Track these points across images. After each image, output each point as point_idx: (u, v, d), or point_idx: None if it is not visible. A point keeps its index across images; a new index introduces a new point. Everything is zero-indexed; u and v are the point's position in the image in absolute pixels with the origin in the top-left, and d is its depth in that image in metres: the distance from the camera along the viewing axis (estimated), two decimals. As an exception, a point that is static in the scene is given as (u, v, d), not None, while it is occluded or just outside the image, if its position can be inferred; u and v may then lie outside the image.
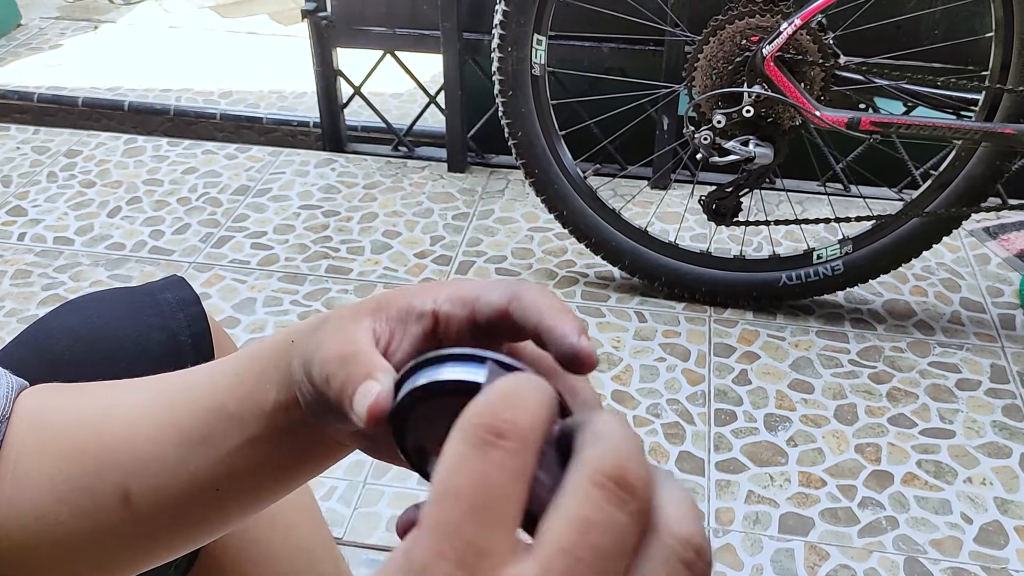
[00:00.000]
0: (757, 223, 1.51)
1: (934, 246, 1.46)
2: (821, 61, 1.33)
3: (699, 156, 1.40)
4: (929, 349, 1.46)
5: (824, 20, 1.38)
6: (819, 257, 1.50)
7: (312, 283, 1.61)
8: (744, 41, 1.34)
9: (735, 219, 1.48)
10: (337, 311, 0.39)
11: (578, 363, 0.33)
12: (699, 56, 1.37)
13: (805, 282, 1.51)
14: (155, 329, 0.59)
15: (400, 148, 2.05)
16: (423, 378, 0.32)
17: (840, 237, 1.50)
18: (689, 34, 1.46)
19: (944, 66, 1.53)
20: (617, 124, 1.73)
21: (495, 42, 1.45)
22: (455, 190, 1.89)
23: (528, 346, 0.37)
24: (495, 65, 1.47)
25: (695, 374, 1.41)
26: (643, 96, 1.64)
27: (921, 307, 1.55)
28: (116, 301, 0.61)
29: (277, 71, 2.45)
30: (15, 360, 0.59)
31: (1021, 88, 1.30)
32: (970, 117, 1.38)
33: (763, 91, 1.33)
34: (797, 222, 1.50)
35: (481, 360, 0.32)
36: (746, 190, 1.45)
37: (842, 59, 1.36)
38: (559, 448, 0.27)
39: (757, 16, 1.34)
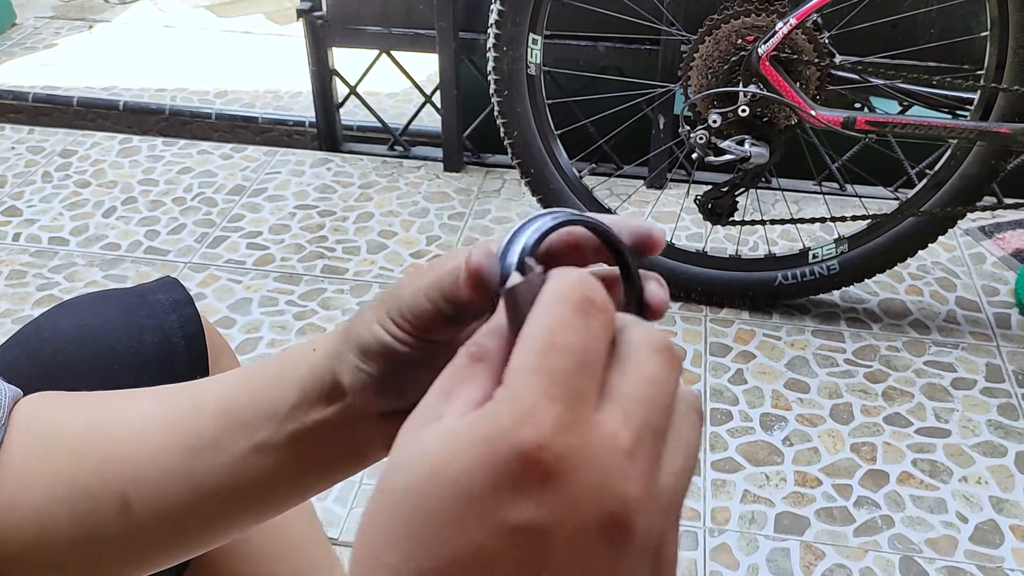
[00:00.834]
0: (753, 223, 1.51)
1: (930, 245, 1.46)
2: (816, 60, 1.33)
3: (695, 155, 1.40)
4: (925, 348, 1.46)
5: (819, 19, 1.38)
6: (815, 256, 1.50)
7: (308, 283, 1.61)
8: (740, 40, 1.34)
9: (731, 218, 1.48)
10: (377, 298, 0.39)
11: (654, 240, 0.35)
12: (695, 55, 1.37)
13: (801, 281, 1.51)
14: (148, 330, 0.59)
15: (396, 148, 2.05)
16: (524, 236, 0.32)
17: (836, 236, 1.50)
18: (685, 33, 1.46)
19: (939, 65, 1.53)
20: (613, 123, 1.73)
21: (490, 41, 1.45)
22: (451, 190, 1.89)
23: None
24: (491, 64, 1.47)
25: (691, 373, 1.41)
26: (639, 95, 1.64)
27: (917, 306, 1.56)
28: (109, 303, 0.61)
29: (272, 71, 2.44)
30: (7, 362, 0.59)
31: (1016, 87, 1.30)
32: (965, 116, 1.39)
33: (759, 90, 1.33)
34: (793, 221, 1.50)
35: (545, 215, 0.33)
36: (742, 189, 1.44)
37: (837, 58, 1.36)
38: None
39: (752, 15, 1.34)
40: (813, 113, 1.33)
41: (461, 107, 1.90)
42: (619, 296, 0.35)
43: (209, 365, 0.62)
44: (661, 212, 1.78)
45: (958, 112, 1.41)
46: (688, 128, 1.38)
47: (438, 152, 1.98)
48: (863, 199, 1.76)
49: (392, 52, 1.95)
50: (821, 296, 1.55)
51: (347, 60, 1.99)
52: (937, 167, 1.43)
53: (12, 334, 0.61)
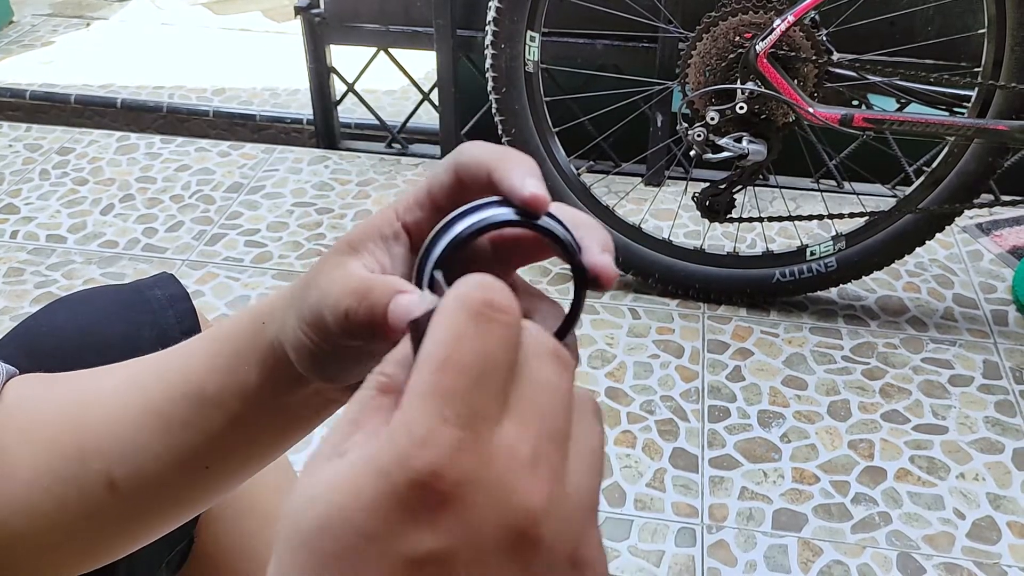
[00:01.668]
0: (751, 220, 1.51)
1: (927, 242, 1.46)
2: (814, 58, 1.33)
3: (692, 153, 1.40)
4: (922, 345, 1.46)
5: (817, 17, 1.39)
6: (812, 254, 1.50)
7: (306, 280, 1.61)
8: (737, 38, 1.34)
9: (728, 216, 1.48)
10: (313, 270, 0.38)
11: (534, 205, 0.32)
12: (692, 53, 1.37)
13: (798, 279, 1.51)
14: (145, 326, 0.59)
15: (394, 145, 2.05)
16: (437, 249, 0.32)
17: (833, 234, 1.50)
18: (682, 31, 1.46)
19: (937, 63, 1.53)
20: (611, 121, 1.73)
21: (488, 39, 1.45)
22: (449, 187, 1.88)
23: None
24: (488, 62, 1.47)
25: (689, 371, 1.41)
26: (637, 93, 1.64)
27: (914, 303, 1.56)
28: (106, 299, 0.61)
29: (270, 68, 2.44)
30: (4, 358, 0.59)
31: (1013, 84, 1.30)
32: (963, 113, 1.39)
33: (756, 88, 1.33)
34: (790, 219, 1.50)
35: (472, 211, 0.32)
36: (739, 187, 1.45)
37: (835, 56, 1.36)
38: None
39: (750, 13, 1.34)
40: (811, 110, 1.33)
41: (459, 105, 1.90)
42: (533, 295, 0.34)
43: None
44: (659, 209, 1.78)
45: (955, 109, 1.41)
46: (686, 125, 1.38)
47: (436, 150, 1.98)
48: (861, 196, 1.76)
49: (390, 50, 1.95)
50: (819, 293, 1.55)
51: (345, 58, 1.98)
52: (934, 164, 1.43)
53: (9, 330, 0.61)
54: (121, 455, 0.44)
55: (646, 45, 1.73)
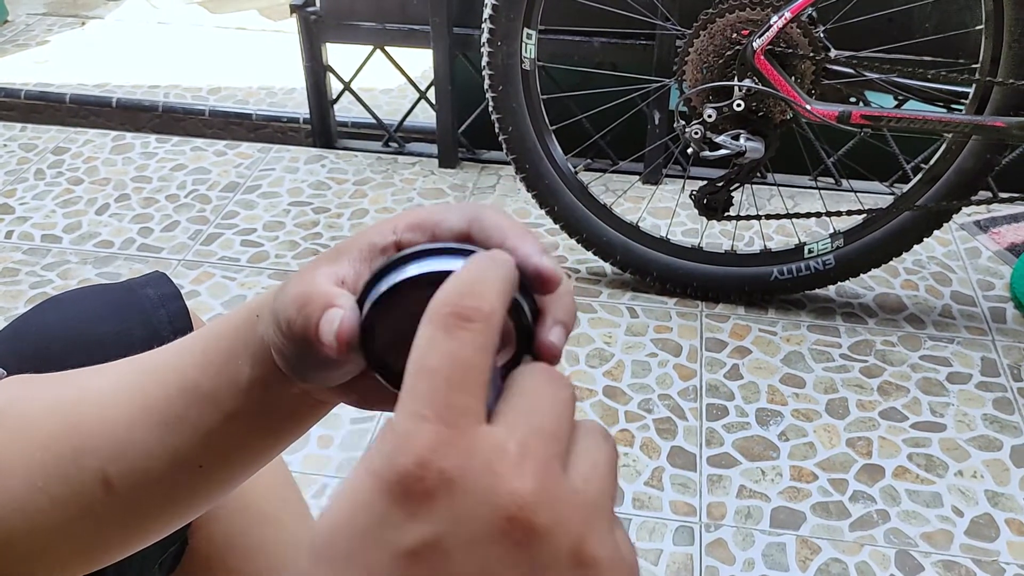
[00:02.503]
0: (748, 218, 1.50)
1: (925, 240, 1.46)
2: (812, 55, 1.32)
3: (690, 151, 1.39)
4: (920, 343, 1.46)
5: (814, 14, 1.38)
6: (810, 251, 1.50)
7: (302, 280, 1.60)
8: (734, 35, 1.34)
9: (726, 214, 1.47)
10: (300, 268, 0.39)
11: (541, 282, 0.34)
12: (689, 50, 1.37)
13: (796, 276, 1.51)
14: (136, 326, 0.58)
15: (391, 144, 2.04)
16: (386, 284, 0.33)
17: (831, 231, 1.50)
18: (680, 28, 1.45)
19: (935, 59, 1.53)
20: (608, 119, 1.73)
21: (485, 37, 1.45)
22: (446, 186, 1.88)
23: None
24: (485, 60, 1.46)
25: (687, 369, 1.41)
26: (634, 91, 1.64)
27: (912, 301, 1.55)
28: (97, 298, 0.61)
29: (266, 67, 2.43)
30: (-3, 358, 0.58)
31: (1011, 81, 1.30)
32: (961, 110, 1.38)
33: (753, 85, 1.33)
34: (788, 216, 1.50)
35: (440, 252, 0.33)
36: (737, 184, 1.44)
37: (833, 53, 1.35)
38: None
39: (747, 10, 1.33)
40: (808, 107, 1.32)
41: (456, 103, 1.89)
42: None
43: None
44: (657, 208, 1.78)
45: (953, 106, 1.41)
46: (683, 123, 1.38)
47: (433, 148, 1.98)
48: (859, 194, 1.76)
49: (386, 48, 1.95)
50: (817, 291, 1.55)
51: (341, 56, 1.98)
52: (932, 161, 1.43)
53: (0, 330, 0.60)
54: (115, 453, 0.44)
55: (643, 42, 1.73)
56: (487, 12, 1.43)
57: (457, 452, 0.25)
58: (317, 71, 1.97)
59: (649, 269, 1.55)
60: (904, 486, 1.21)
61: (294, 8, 1.89)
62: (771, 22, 1.30)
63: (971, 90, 1.36)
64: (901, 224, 1.45)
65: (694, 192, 1.47)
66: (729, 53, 1.35)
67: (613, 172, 1.83)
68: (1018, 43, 1.29)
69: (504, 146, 1.52)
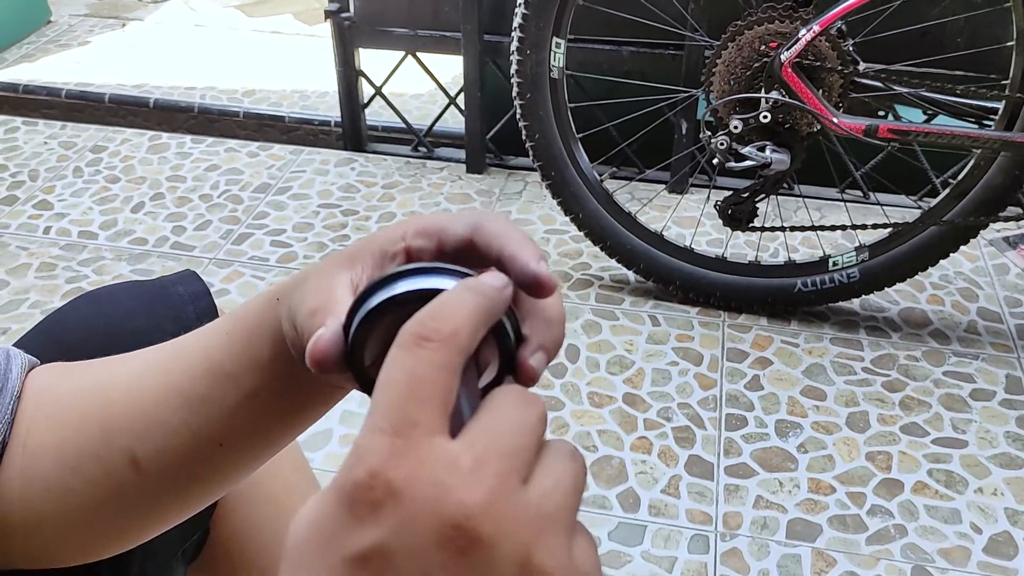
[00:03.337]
0: (773, 229, 1.51)
1: (952, 255, 1.45)
2: (840, 68, 1.32)
3: (716, 161, 1.40)
4: (944, 358, 1.45)
5: (844, 27, 1.38)
6: (835, 264, 1.50)
7: (329, 281, 1.62)
8: (763, 47, 1.35)
9: (751, 224, 1.48)
10: (316, 266, 0.40)
11: (537, 287, 0.36)
12: (717, 61, 1.37)
13: (820, 289, 1.51)
14: (167, 321, 0.60)
15: (420, 149, 2.06)
16: (374, 300, 0.35)
17: (857, 244, 1.50)
18: (708, 39, 1.46)
19: (965, 74, 1.52)
20: (635, 127, 1.74)
21: (514, 44, 1.47)
22: (473, 191, 1.90)
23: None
24: (513, 67, 1.48)
25: (707, 379, 1.41)
26: (661, 100, 1.64)
27: (937, 316, 1.55)
28: (129, 294, 0.63)
29: (300, 70, 2.47)
30: (31, 350, 0.61)
31: (1041, 98, 1.29)
32: (990, 126, 1.38)
33: (780, 97, 1.33)
34: (813, 228, 1.50)
35: (433, 271, 0.35)
36: (762, 196, 1.45)
37: (861, 66, 1.35)
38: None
39: (776, 22, 1.34)
40: (835, 120, 1.33)
41: (485, 109, 1.91)
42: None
43: None
44: (682, 217, 1.78)
45: (983, 122, 1.40)
46: (709, 133, 1.39)
47: (461, 154, 2.00)
48: (885, 208, 1.75)
49: (418, 54, 1.97)
50: (841, 304, 1.55)
51: (373, 61, 2.01)
52: (961, 176, 1.42)
53: (35, 324, 0.63)
54: (143, 433, 0.46)
55: (671, 52, 1.74)
56: (517, 20, 1.45)
57: (407, 463, 0.27)
58: (349, 75, 2.00)
59: (672, 278, 1.55)
60: (923, 501, 1.21)
61: (328, 13, 1.92)
62: (799, 35, 1.31)
63: (1001, 106, 1.36)
64: (928, 239, 1.45)
65: (719, 202, 1.48)
66: (757, 65, 1.35)
67: (639, 180, 1.84)
68: (1049, 59, 1.28)
69: (530, 153, 1.53)
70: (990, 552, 1.14)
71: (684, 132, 1.77)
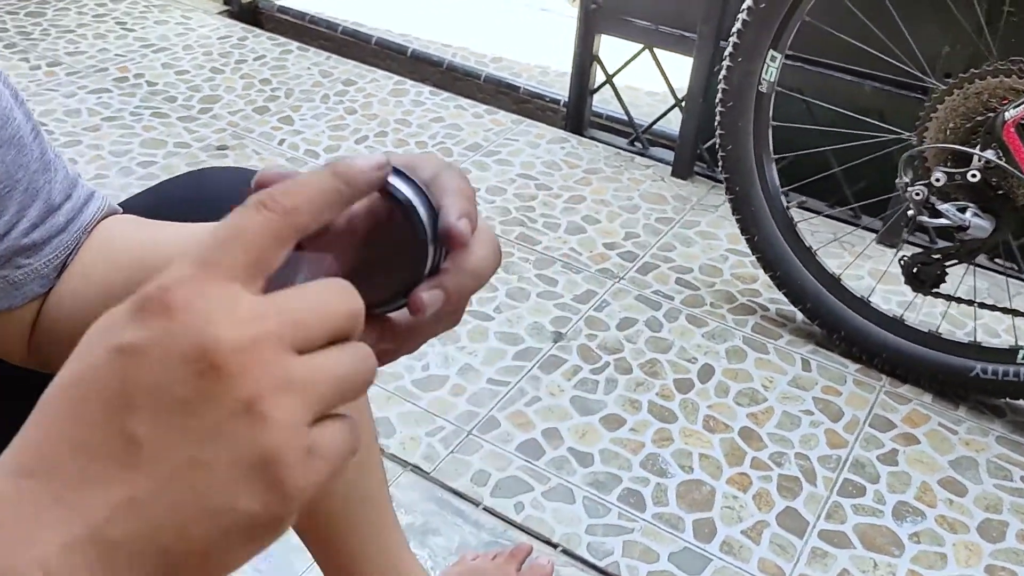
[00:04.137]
0: (961, 300, 1.36)
1: None
2: (1075, 139, 1.17)
3: (910, 212, 1.29)
4: None
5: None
6: (1025, 357, 1.33)
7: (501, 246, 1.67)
8: (990, 101, 1.22)
9: (935, 290, 1.35)
10: None
11: (448, 238, 0.38)
12: (939, 106, 1.26)
13: (1001, 380, 1.34)
14: None
15: (636, 144, 2.06)
16: None
17: (1058, 342, 1.32)
18: (935, 82, 1.34)
19: None
20: (841, 161, 1.63)
21: (728, 49, 1.43)
22: (670, 195, 1.87)
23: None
24: (722, 73, 1.44)
25: (839, 437, 1.31)
26: (879, 139, 1.53)
27: None
28: (239, 178, 0.70)
29: (550, 48, 2.54)
30: (137, 202, 0.70)
31: None
32: None
33: (995, 158, 1.20)
34: (1008, 312, 1.34)
35: (403, 176, 0.38)
36: (954, 261, 1.31)
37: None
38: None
39: (1014, 76, 1.21)
40: (1054, 196, 1.18)
41: (705, 116, 1.87)
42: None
43: None
44: (864, 264, 1.65)
45: None
46: (907, 180, 1.28)
47: (670, 155, 1.97)
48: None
49: (655, 49, 1.97)
50: (1021, 402, 1.37)
51: (612, 50, 2.02)
52: None
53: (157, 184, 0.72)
54: None
55: (894, 90, 1.61)
56: (736, 25, 1.41)
57: (191, 290, 0.29)
58: (584, 58, 2.03)
59: (839, 327, 1.45)
60: (1035, 637, 1.06)
61: (578, -5, 1.96)
62: (1034, 94, 1.17)
63: None
64: None
65: (906, 258, 1.36)
66: (979, 118, 1.23)
67: (828, 217, 1.73)
68: None
69: (720, 163, 1.49)
70: None
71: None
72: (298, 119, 2.05)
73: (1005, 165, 1.19)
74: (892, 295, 1.59)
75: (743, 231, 1.50)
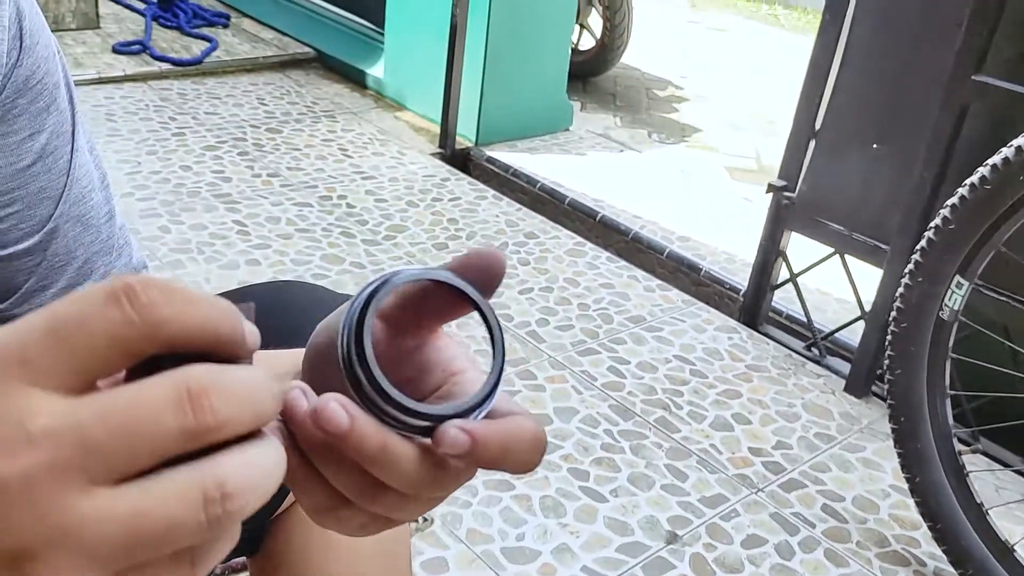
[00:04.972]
0: None
1: None
2: None
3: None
4: None
5: None
6: None
7: (636, 424, 1.58)
8: None
9: None
10: None
11: (440, 434, 0.33)
12: None
13: None
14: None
15: (812, 349, 1.92)
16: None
17: None
18: None
19: None
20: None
21: (909, 266, 1.31)
22: (837, 411, 1.71)
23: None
24: (900, 290, 1.32)
25: None
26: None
27: None
28: (330, 305, 0.69)
29: (742, 236, 2.47)
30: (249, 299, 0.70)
31: None
32: None
33: None
34: None
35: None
36: None
37: None
38: None
39: None
40: None
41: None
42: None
43: None
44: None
45: None
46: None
47: (847, 368, 1.82)
48: None
49: (845, 255, 1.86)
50: None
51: (799, 242, 1.93)
52: None
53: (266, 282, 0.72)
54: None
55: None
56: (921, 243, 1.29)
57: None
58: (769, 253, 1.95)
59: (1005, 606, 1.23)
60: None
61: (772, 187, 1.91)
62: None
63: None
64: None
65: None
66: None
67: (1018, 472, 1.49)
68: None
69: (887, 387, 1.34)
70: None
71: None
72: (450, 243, 2.09)
73: None
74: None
75: (903, 468, 1.33)
